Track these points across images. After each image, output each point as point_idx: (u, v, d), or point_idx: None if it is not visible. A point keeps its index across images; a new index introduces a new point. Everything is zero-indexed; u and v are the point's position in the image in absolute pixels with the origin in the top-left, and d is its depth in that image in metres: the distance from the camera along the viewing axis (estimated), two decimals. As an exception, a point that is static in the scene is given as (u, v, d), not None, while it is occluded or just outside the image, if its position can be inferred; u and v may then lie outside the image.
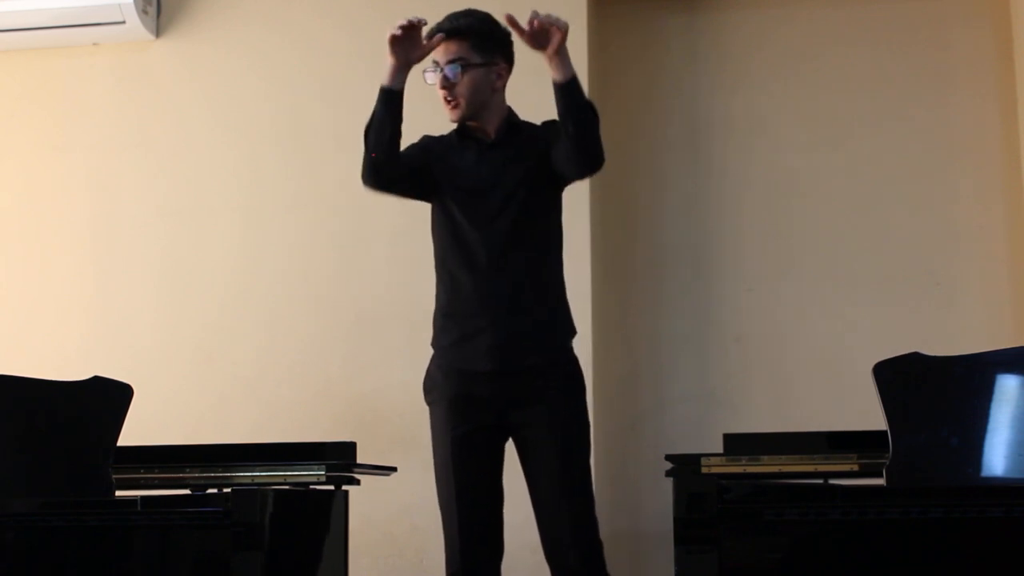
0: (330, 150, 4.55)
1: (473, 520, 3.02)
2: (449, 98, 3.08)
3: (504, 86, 3.15)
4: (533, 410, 3.03)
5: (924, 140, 4.47)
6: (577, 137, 2.95)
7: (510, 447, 3.11)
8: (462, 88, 3.07)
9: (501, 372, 3.02)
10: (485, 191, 3.08)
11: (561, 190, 3.16)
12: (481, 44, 3.10)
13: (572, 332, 3.15)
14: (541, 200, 3.10)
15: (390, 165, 3.04)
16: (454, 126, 3.17)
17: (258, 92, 4.66)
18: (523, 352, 3.03)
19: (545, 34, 2.88)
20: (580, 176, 3.10)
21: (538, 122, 3.17)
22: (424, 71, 3.11)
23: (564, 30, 2.87)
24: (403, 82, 3.01)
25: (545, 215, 3.10)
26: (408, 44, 3.00)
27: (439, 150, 3.16)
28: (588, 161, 3.01)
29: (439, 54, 3.08)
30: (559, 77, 2.91)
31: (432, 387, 3.12)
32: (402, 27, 2.98)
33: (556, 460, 3.01)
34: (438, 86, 3.08)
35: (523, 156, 3.11)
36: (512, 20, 2.90)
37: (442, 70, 3.07)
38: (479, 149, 3.13)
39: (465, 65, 3.07)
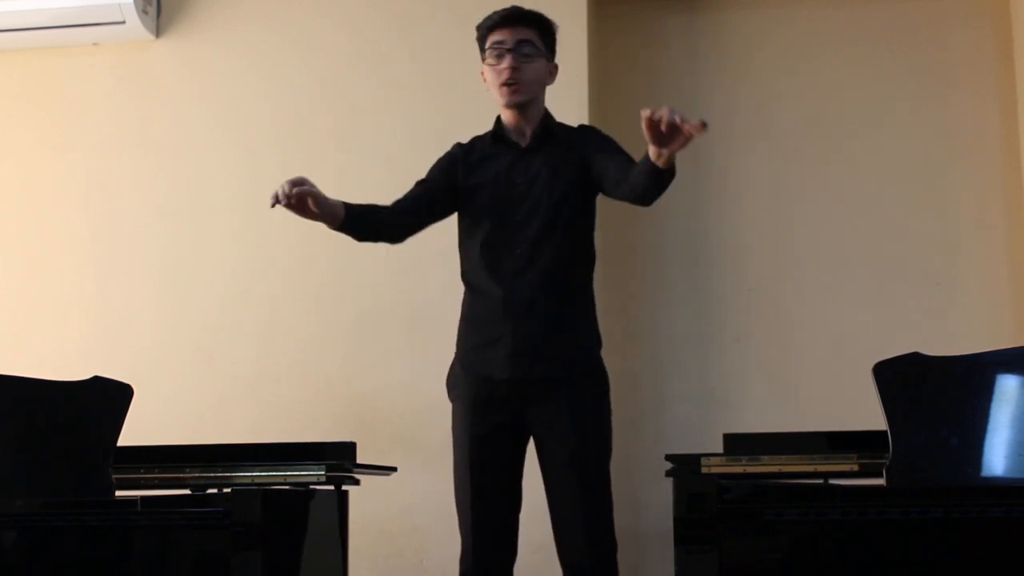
0: (330, 150, 4.55)
1: (488, 520, 3.01)
2: (512, 80, 3.03)
3: (547, 87, 3.15)
4: (553, 408, 3.01)
5: (924, 140, 4.47)
6: (648, 197, 2.90)
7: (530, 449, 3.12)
8: (527, 72, 3.04)
9: (519, 380, 3.02)
10: (517, 198, 3.07)
11: (594, 199, 3.13)
12: (545, 37, 3.10)
13: (598, 343, 3.14)
14: (572, 209, 3.07)
15: (396, 236, 3.16)
16: (475, 129, 3.17)
17: (258, 92, 4.66)
18: (542, 361, 3.02)
19: (675, 132, 2.63)
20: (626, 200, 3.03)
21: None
22: (483, 49, 3.07)
23: (697, 131, 2.60)
24: (341, 216, 3.01)
25: (575, 225, 3.08)
26: (302, 205, 2.93)
27: (469, 158, 3.15)
28: (645, 203, 2.95)
29: (505, 35, 3.04)
30: (663, 165, 2.74)
31: (455, 384, 3.13)
32: (280, 199, 2.92)
33: (574, 459, 2.99)
34: (506, 65, 3.02)
35: (558, 164, 3.09)
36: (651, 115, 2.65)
37: (511, 50, 3.02)
38: (514, 155, 3.12)
39: (535, 49, 3.06)
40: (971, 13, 4.51)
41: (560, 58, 3.21)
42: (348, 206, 3.01)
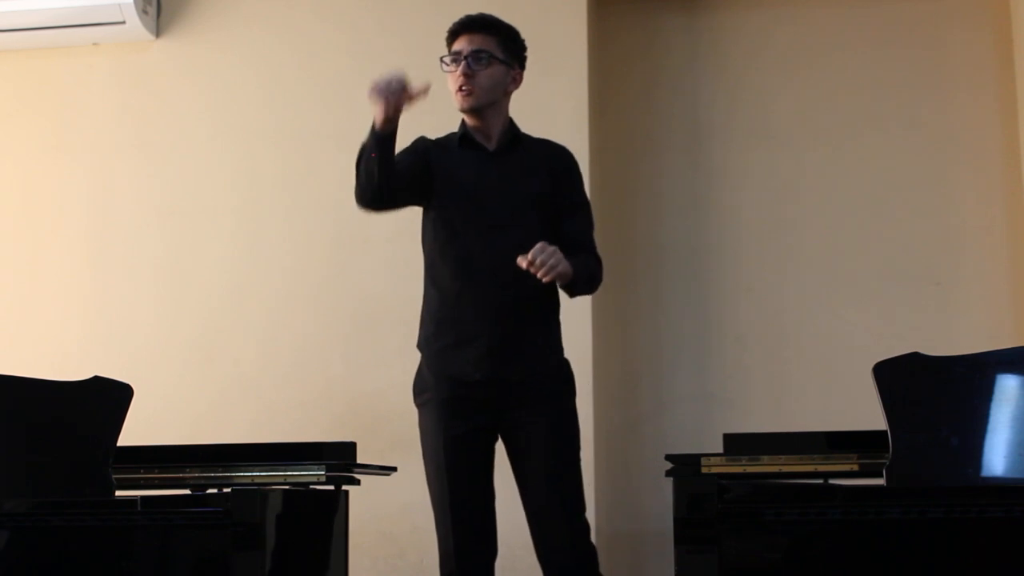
0: (329, 151, 4.54)
1: (467, 520, 3.02)
2: (465, 86, 3.08)
3: (512, 93, 3.18)
4: (526, 412, 3.03)
5: (924, 140, 4.47)
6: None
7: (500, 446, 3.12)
8: (482, 79, 3.09)
9: (492, 381, 3.02)
10: (488, 202, 3.09)
11: None
12: (506, 44, 3.14)
13: (561, 350, 3.16)
14: (544, 212, 3.11)
15: (389, 191, 2.99)
16: (444, 130, 3.17)
17: (257, 93, 4.66)
18: (514, 364, 3.03)
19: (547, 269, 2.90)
20: None
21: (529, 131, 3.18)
22: (442, 58, 3.12)
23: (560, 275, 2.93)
24: (396, 127, 2.91)
25: (547, 228, 3.10)
26: (397, 98, 2.88)
27: (438, 154, 3.15)
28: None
29: (462, 44, 3.10)
30: (561, 284, 3.01)
31: (423, 388, 3.11)
32: (389, 88, 2.85)
33: (550, 462, 3.02)
34: (458, 73, 3.08)
35: (528, 167, 3.13)
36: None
37: (465, 58, 3.08)
38: (481, 158, 3.14)
39: (490, 57, 3.09)
40: (971, 13, 4.51)
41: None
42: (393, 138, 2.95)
